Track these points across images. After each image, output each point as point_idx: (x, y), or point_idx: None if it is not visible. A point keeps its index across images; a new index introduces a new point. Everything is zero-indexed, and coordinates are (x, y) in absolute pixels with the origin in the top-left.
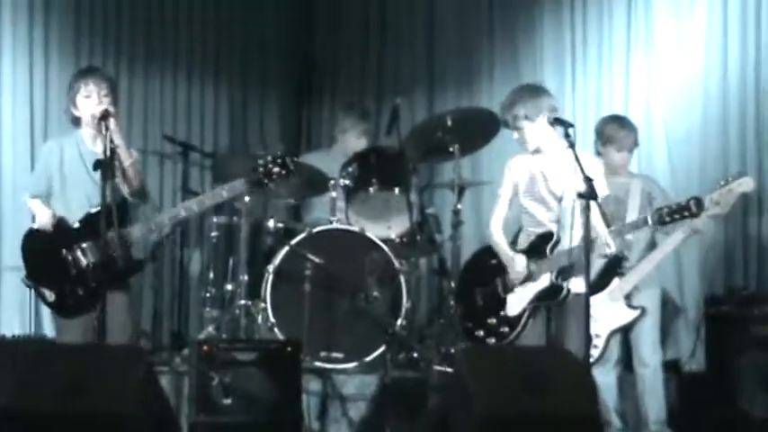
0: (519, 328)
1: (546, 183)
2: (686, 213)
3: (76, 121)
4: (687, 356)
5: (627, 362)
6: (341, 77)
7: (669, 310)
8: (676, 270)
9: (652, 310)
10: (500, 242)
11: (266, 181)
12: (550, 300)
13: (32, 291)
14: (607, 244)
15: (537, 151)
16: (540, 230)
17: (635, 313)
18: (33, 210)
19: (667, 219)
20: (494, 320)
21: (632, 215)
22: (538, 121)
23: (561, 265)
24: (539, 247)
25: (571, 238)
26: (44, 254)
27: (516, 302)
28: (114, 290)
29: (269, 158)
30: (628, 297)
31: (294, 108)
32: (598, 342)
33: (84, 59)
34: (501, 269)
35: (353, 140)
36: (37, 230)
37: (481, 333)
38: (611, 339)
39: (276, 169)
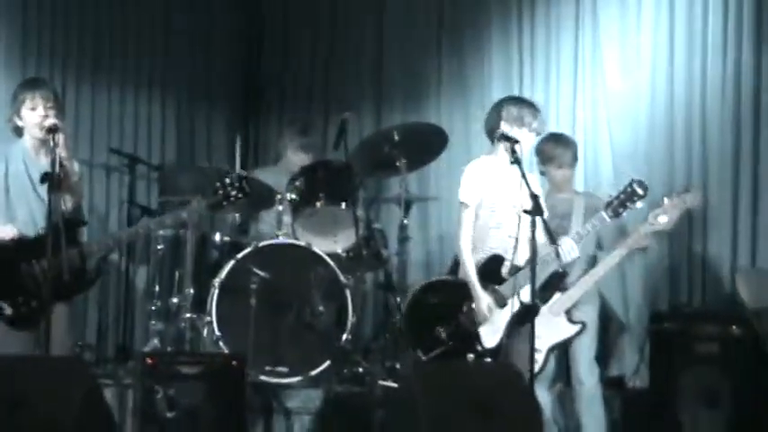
0: (502, 356)
1: (509, 195)
2: (635, 198)
3: (18, 132)
4: (631, 373)
5: (568, 379)
6: (288, 93)
7: (614, 326)
8: (621, 287)
9: (590, 326)
10: (470, 268)
11: (224, 203)
12: (528, 321)
13: None
14: (570, 249)
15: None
16: (507, 237)
17: (576, 328)
18: None
19: (620, 209)
20: (472, 356)
21: (575, 231)
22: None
23: (523, 286)
24: (492, 272)
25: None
26: (1, 268)
27: (492, 333)
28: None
29: (227, 181)
30: (568, 312)
31: (241, 123)
32: (538, 357)
33: (30, 71)
34: (454, 305)
35: (294, 156)
36: None
37: None
38: (550, 355)
39: (234, 192)
